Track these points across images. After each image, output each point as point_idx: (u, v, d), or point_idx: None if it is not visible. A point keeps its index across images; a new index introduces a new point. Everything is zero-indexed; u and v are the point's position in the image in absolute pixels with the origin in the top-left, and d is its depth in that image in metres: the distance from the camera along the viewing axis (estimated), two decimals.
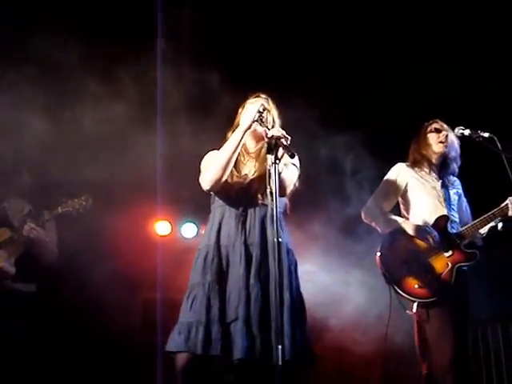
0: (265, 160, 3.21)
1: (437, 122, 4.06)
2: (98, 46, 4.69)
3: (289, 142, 2.97)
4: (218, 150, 3.34)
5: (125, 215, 5.40)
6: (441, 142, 3.99)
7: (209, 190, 3.26)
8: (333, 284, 5.09)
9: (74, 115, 4.79)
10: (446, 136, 3.98)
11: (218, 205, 3.31)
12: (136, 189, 5.30)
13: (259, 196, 3.23)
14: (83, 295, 5.23)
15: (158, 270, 5.70)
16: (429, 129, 4.05)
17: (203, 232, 3.37)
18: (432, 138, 4.02)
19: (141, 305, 5.89)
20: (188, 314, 3.06)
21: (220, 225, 3.23)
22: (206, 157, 3.40)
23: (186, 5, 5.15)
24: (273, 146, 2.94)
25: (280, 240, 2.83)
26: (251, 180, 3.27)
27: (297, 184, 3.33)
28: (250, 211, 3.22)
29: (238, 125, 3.33)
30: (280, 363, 2.61)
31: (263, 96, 3.42)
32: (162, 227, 6.13)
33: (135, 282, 5.57)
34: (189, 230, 6.19)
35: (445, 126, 4.03)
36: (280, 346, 2.64)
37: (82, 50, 4.65)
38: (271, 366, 2.63)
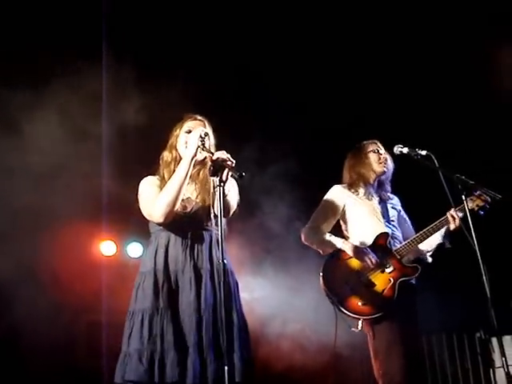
0: (205, 182, 3.25)
1: (375, 143, 4.15)
2: None
3: (234, 164, 2.97)
4: (153, 175, 3.32)
5: (70, 235, 5.30)
6: (381, 163, 4.07)
7: (161, 223, 3.19)
8: (279, 303, 5.12)
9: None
10: (386, 158, 4.08)
11: (160, 229, 3.25)
12: (81, 209, 5.22)
13: (204, 220, 3.22)
14: (25, 322, 5.04)
15: (103, 292, 5.61)
16: (370, 149, 4.12)
17: (146, 255, 3.29)
18: (373, 157, 4.08)
19: (85, 328, 5.74)
20: (145, 341, 2.99)
21: (167, 249, 3.18)
22: (144, 186, 3.32)
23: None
24: (218, 168, 2.94)
25: (225, 262, 2.85)
26: (195, 204, 3.25)
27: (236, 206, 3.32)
28: (197, 236, 3.20)
29: (174, 146, 3.34)
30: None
31: (199, 117, 3.41)
32: (107, 247, 6.04)
33: (79, 305, 5.43)
34: (134, 249, 6.13)
35: (382, 147, 4.13)
36: (226, 367, 2.66)
37: None
38: None
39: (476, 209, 3.79)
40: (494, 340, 5.83)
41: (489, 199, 3.78)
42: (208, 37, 5.52)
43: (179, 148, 3.35)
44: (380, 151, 4.10)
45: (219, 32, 5.54)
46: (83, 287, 5.23)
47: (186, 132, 3.34)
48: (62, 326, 5.26)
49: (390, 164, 4.11)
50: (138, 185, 3.32)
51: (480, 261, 3.25)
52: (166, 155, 3.36)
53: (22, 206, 4.71)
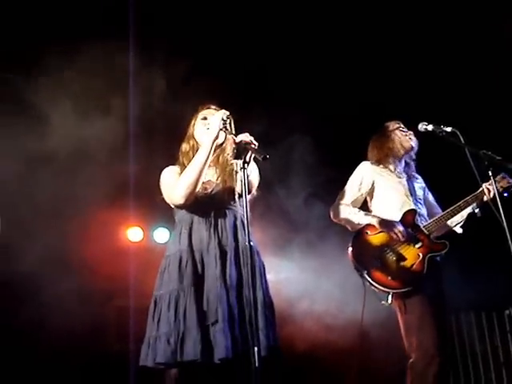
0: (226, 166, 3.30)
1: (398, 123, 4.21)
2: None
3: (257, 146, 2.99)
4: (175, 165, 3.37)
5: (97, 223, 5.36)
6: (408, 138, 4.12)
7: (182, 205, 3.23)
8: (307, 282, 5.15)
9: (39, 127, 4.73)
10: (411, 133, 4.14)
11: (182, 213, 3.29)
12: (108, 196, 5.27)
13: (226, 200, 3.26)
14: (53, 310, 5.10)
15: (131, 277, 5.67)
16: (395, 126, 4.18)
17: (170, 239, 3.36)
18: (399, 134, 4.15)
19: (114, 313, 5.82)
20: (169, 324, 3.03)
21: (190, 230, 3.22)
22: (165, 174, 3.37)
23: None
24: (241, 150, 2.97)
25: (251, 243, 2.87)
26: (216, 186, 3.29)
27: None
28: (220, 215, 3.23)
29: (192, 136, 3.40)
30: (257, 365, 2.63)
31: (213, 107, 3.45)
32: (134, 233, 6.10)
33: (108, 291, 5.50)
34: (161, 235, 6.17)
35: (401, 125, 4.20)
36: (256, 348, 2.66)
37: None
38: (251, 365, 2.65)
39: (501, 190, 3.79)
40: None
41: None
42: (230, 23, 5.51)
43: (197, 136, 3.40)
44: (404, 129, 4.15)
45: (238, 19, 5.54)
46: (111, 273, 5.28)
47: (202, 119, 3.40)
48: (92, 312, 5.34)
49: (416, 141, 4.14)
50: (160, 176, 3.37)
51: (509, 238, 3.23)
52: (185, 146, 3.43)
53: (49, 195, 4.76)
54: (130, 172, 5.65)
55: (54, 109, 4.68)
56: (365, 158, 4.22)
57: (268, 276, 3.32)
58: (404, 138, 4.12)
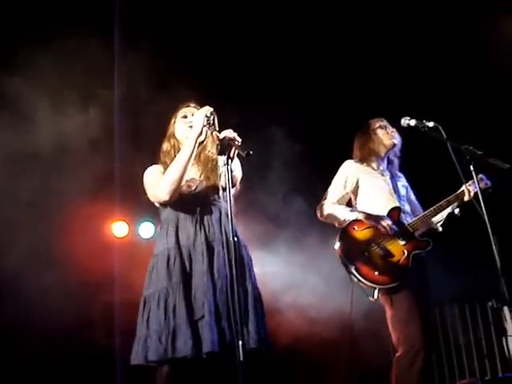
0: (207, 162, 3.33)
1: (381, 120, 4.24)
2: None
3: (240, 142, 3.01)
4: (157, 164, 3.39)
5: (82, 218, 5.34)
6: (390, 136, 4.16)
7: (166, 202, 3.24)
8: (292, 275, 5.18)
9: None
10: (393, 131, 4.18)
11: (168, 212, 3.31)
12: (92, 191, 5.25)
13: (210, 197, 3.28)
14: (37, 305, 5.08)
15: (116, 272, 5.67)
16: (377, 125, 4.21)
17: (157, 238, 3.35)
18: (381, 132, 4.18)
19: (100, 308, 5.81)
20: (159, 322, 3.05)
21: (177, 228, 3.24)
22: (148, 173, 3.38)
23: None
24: (225, 147, 2.99)
25: (238, 237, 2.94)
26: (200, 183, 3.31)
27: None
28: (205, 212, 3.26)
29: (172, 134, 3.42)
30: (241, 358, 2.67)
31: (192, 104, 3.46)
32: (119, 228, 6.06)
33: (93, 286, 5.49)
34: (146, 229, 6.14)
35: (388, 124, 4.23)
36: (240, 342, 2.69)
37: None
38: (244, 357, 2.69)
39: (483, 189, 3.81)
40: (506, 309, 5.85)
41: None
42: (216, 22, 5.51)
43: (177, 135, 3.42)
44: (387, 126, 4.18)
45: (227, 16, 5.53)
46: (96, 268, 5.27)
47: (182, 117, 3.41)
48: (76, 306, 5.32)
49: (398, 138, 4.19)
50: (143, 175, 3.38)
51: (489, 231, 3.27)
52: (165, 145, 3.44)
53: (33, 190, 4.74)
54: (114, 166, 5.64)
55: (37, 104, 4.66)
56: (348, 155, 4.25)
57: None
58: (385, 137, 4.15)
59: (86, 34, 4.65)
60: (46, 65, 4.58)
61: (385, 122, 4.22)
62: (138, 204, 5.65)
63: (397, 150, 4.22)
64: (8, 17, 4.84)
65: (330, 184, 4.19)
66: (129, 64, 5.19)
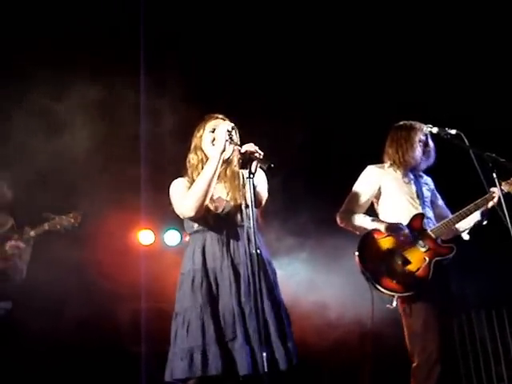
0: (234, 179, 3.32)
1: (424, 133, 4.06)
2: None
3: (262, 156, 3.02)
4: (183, 177, 3.40)
5: (108, 226, 5.43)
6: (427, 157, 4.10)
7: (191, 218, 3.26)
8: (314, 283, 5.19)
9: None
10: (430, 151, 4.09)
11: (195, 231, 3.33)
12: (119, 200, 5.34)
13: (238, 218, 3.29)
14: (66, 314, 5.18)
15: (143, 279, 5.74)
16: (419, 137, 4.07)
17: (184, 256, 3.36)
18: (420, 149, 4.07)
19: (127, 315, 5.89)
20: (186, 340, 3.10)
21: (204, 249, 3.26)
22: (174, 187, 3.38)
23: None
24: (247, 160, 3.00)
25: (260, 251, 2.95)
26: (226, 203, 3.31)
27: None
28: (232, 233, 3.27)
29: (199, 147, 3.40)
30: (266, 370, 2.74)
31: (220, 116, 3.45)
32: (145, 236, 6.14)
33: (120, 294, 5.57)
34: (172, 237, 6.20)
35: (429, 136, 4.09)
36: (264, 354, 2.76)
37: None
38: (277, 378, 2.79)
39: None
40: None
41: None
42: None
43: (205, 148, 3.40)
44: (428, 143, 4.08)
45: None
46: (123, 276, 5.34)
47: (211, 131, 3.39)
48: (104, 314, 5.42)
49: (434, 155, 4.11)
50: (169, 188, 3.40)
51: None
52: (192, 157, 3.42)
53: (60, 199, 4.83)
54: (140, 175, 5.72)
55: (73, 116, 4.78)
56: (370, 160, 4.23)
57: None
58: (422, 156, 4.07)
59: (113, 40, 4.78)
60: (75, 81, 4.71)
61: (426, 136, 4.07)
62: (164, 212, 5.71)
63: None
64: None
65: (350, 190, 4.17)
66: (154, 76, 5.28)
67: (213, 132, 3.38)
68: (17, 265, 4.58)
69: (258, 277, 2.87)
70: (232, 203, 3.29)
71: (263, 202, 3.33)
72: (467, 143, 3.54)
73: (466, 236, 4.10)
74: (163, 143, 5.35)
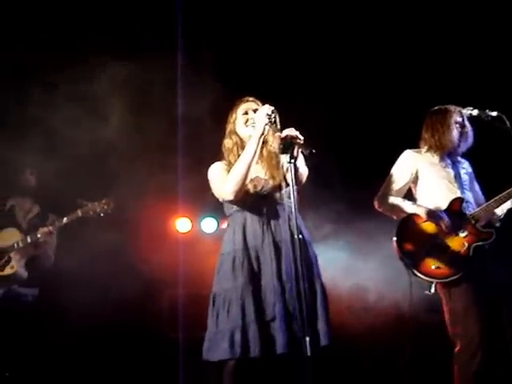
0: (271, 159, 3.34)
1: (460, 115, 4.01)
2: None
3: (303, 141, 3.02)
4: (220, 161, 3.43)
5: (147, 215, 5.50)
6: (464, 138, 4.03)
7: (231, 201, 3.29)
8: (352, 268, 5.18)
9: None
10: (468, 133, 4.02)
11: (235, 211, 3.35)
12: (157, 188, 5.40)
13: (277, 196, 3.31)
14: (105, 297, 5.25)
15: (181, 267, 5.80)
16: (455, 119, 4.02)
17: (224, 237, 3.39)
18: (457, 131, 4.01)
19: (166, 302, 5.97)
20: (227, 320, 3.14)
21: (244, 228, 3.28)
22: (213, 171, 3.42)
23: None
24: (288, 145, 3.00)
25: (301, 236, 2.97)
26: (264, 181, 3.33)
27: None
28: (272, 211, 3.29)
29: (234, 131, 3.43)
30: (309, 354, 2.76)
31: (251, 99, 3.47)
32: (182, 224, 6.19)
33: (159, 281, 5.64)
34: (209, 225, 6.21)
35: (466, 118, 4.02)
36: (308, 338, 2.77)
37: None
38: (313, 358, 2.77)
39: None
40: None
41: None
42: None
43: (239, 131, 3.43)
44: (465, 124, 4.02)
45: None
46: (162, 263, 5.41)
47: (244, 114, 3.41)
48: (144, 301, 5.50)
49: (472, 136, 4.03)
50: (208, 171, 3.43)
51: None
52: (227, 142, 3.46)
53: (101, 188, 4.90)
54: (178, 163, 5.76)
55: (110, 108, 4.85)
56: (406, 144, 4.19)
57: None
58: (459, 138, 4.01)
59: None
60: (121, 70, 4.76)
61: (463, 117, 4.01)
62: (201, 200, 5.78)
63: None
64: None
65: (388, 174, 4.15)
66: (193, 66, 5.31)
67: (246, 114, 3.41)
68: (47, 252, 4.64)
69: (299, 259, 2.88)
70: (270, 182, 3.31)
71: (304, 180, 3.34)
72: (508, 125, 3.49)
73: (497, 223, 4.03)
74: (201, 131, 5.37)
